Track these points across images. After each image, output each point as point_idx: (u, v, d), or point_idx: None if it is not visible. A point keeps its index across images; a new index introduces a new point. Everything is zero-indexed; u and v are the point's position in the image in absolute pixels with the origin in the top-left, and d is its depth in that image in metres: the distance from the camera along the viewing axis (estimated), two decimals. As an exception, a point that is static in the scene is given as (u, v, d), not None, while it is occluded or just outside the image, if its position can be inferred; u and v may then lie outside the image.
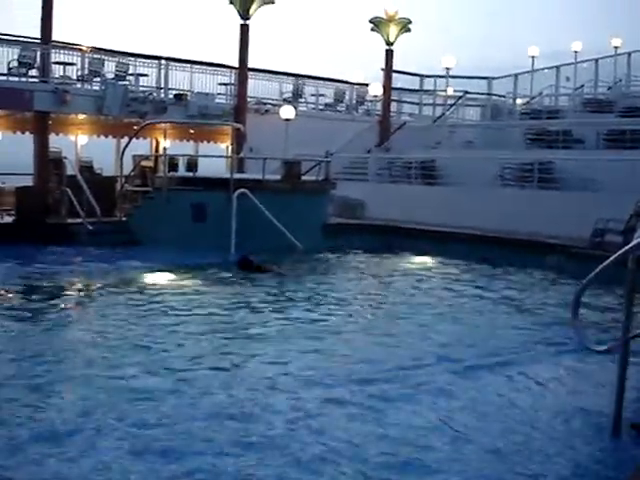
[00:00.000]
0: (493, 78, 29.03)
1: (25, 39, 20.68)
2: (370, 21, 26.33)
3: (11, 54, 19.65)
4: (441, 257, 16.84)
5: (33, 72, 19.90)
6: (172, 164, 21.01)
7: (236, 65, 22.94)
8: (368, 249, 17.93)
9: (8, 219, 17.63)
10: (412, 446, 6.00)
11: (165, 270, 14.12)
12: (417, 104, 29.33)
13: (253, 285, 13.26)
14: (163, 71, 22.18)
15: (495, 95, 29.35)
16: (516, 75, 28.66)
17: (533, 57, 29.86)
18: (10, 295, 12.10)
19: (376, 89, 26.74)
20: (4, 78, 19.47)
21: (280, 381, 7.54)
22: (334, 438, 6.07)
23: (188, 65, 22.97)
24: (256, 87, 24.00)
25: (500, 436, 6.27)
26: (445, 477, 5.53)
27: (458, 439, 6.20)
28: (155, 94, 21.73)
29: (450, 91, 29.20)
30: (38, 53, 19.73)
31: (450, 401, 7.14)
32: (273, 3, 22.94)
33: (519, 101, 29.10)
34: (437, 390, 7.43)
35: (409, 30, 26.65)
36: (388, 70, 26.33)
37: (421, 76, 28.82)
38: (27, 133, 20.89)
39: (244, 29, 22.67)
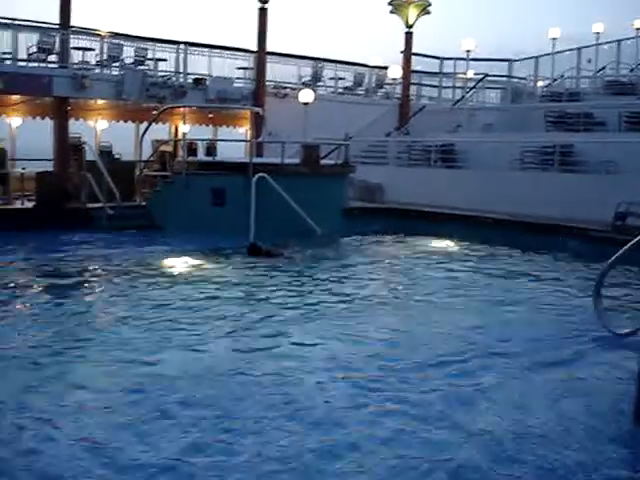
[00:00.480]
0: (513, 60, 28.81)
1: (44, 25, 20.72)
2: (389, 3, 26.19)
3: (30, 40, 19.69)
4: (461, 240, 16.74)
5: (52, 58, 19.97)
6: (191, 149, 21.02)
7: (255, 49, 22.91)
8: (387, 233, 17.86)
9: (28, 204, 17.72)
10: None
11: (184, 254, 14.13)
12: (437, 87, 29.13)
13: (272, 269, 13.25)
14: (182, 56, 22.18)
15: (515, 78, 29.11)
16: (537, 57, 28.38)
17: (554, 39, 29.52)
18: (32, 279, 12.18)
19: (395, 72, 26.60)
20: (24, 64, 19.55)
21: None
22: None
23: (207, 49, 22.95)
24: (275, 71, 23.94)
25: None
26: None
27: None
28: (174, 79, 21.76)
29: (470, 74, 28.97)
30: (57, 39, 19.80)
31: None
32: (291, -14, 22.87)
33: (540, 84, 28.82)
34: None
35: (429, 12, 26.49)
36: (407, 53, 26.19)
37: (441, 59, 28.62)
38: (47, 118, 21.01)
39: (263, 13, 22.65)
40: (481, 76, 28.71)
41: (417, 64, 27.46)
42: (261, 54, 22.73)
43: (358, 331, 9.10)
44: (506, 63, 28.79)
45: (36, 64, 19.75)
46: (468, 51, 28.50)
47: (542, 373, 7.53)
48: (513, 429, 5.99)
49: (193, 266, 13.30)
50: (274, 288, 11.54)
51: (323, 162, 18.51)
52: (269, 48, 23.00)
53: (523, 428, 6.02)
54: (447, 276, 13.02)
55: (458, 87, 29.31)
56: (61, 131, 19.31)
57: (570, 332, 9.09)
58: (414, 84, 27.68)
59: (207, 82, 21.98)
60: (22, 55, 19.53)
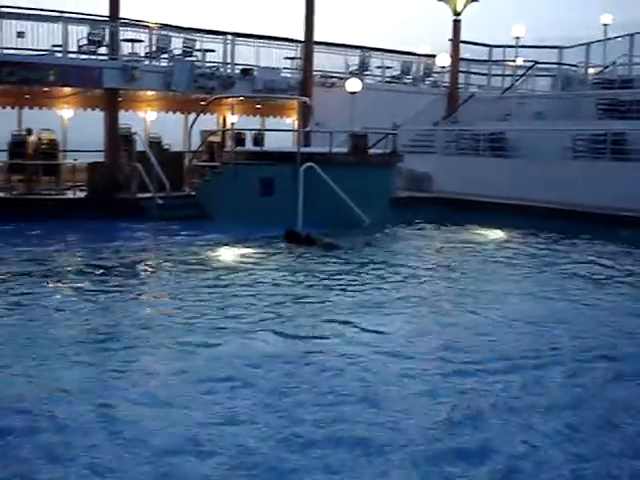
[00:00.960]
0: (564, 47, 28.27)
1: (94, 17, 20.92)
2: (437, -9, 25.91)
3: (81, 32, 19.91)
4: (511, 230, 16.56)
5: (102, 50, 20.14)
6: (239, 139, 21.14)
7: (302, 39, 22.87)
8: (436, 222, 17.75)
9: (80, 194, 17.99)
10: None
11: (234, 243, 14.23)
12: (485, 75, 28.75)
13: (320, 258, 13.27)
14: (229, 46, 22.19)
15: (566, 65, 28.60)
16: (588, 44, 27.84)
17: (606, 25, 28.95)
18: (85, 269, 12.36)
19: (443, 60, 26.33)
20: (74, 56, 19.74)
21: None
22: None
23: (254, 40, 22.93)
24: (322, 60, 23.87)
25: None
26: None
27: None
28: (222, 69, 21.80)
29: (519, 61, 28.59)
30: (107, 31, 19.95)
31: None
32: (339, -25, 22.77)
33: (591, 71, 28.29)
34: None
35: (477, 0, 26.14)
36: (456, 41, 25.90)
37: (489, 46, 28.23)
38: (97, 110, 21.24)
39: (310, 2, 22.57)
40: (531, 63, 28.28)
41: (465, 52, 27.14)
42: (308, 44, 22.67)
43: (417, 319, 9.13)
44: (556, 50, 28.30)
45: (86, 56, 19.94)
46: (517, 38, 28.15)
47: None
48: None
49: (245, 254, 13.38)
50: (329, 276, 11.61)
51: (371, 151, 18.44)
52: (316, 37, 22.91)
53: None
54: (502, 266, 12.87)
55: (507, 75, 28.92)
56: (111, 122, 19.50)
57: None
58: (462, 72, 27.36)
59: (255, 72, 21.98)
60: (72, 47, 19.72)
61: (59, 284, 10.85)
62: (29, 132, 19.45)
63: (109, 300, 9.85)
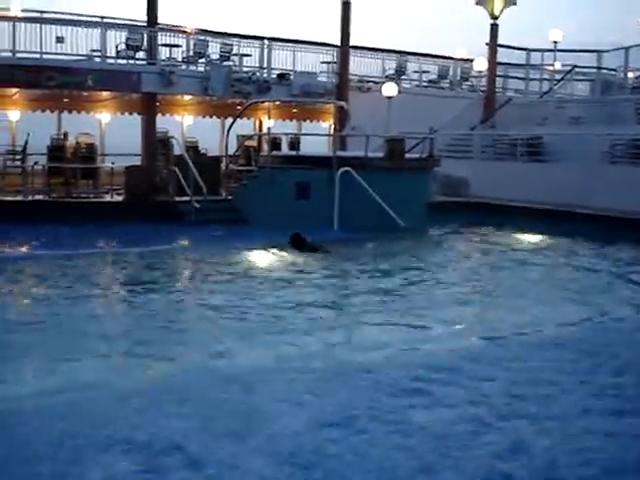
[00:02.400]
0: (603, 51, 27.93)
1: (132, 22, 21.13)
2: (474, -5, 25.78)
3: (119, 37, 20.11)
4: (549, 236, 16.41)
5: (140, 54, 20.33)
6: (275, 143, 21.19)
7: (338, 43, 22.86)
8: (473, 227, 17.63)
9: (118, 198, 18.13)
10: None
11: (271, 247, 14.24)
12: (523, 79, 28.52)
13: (353, 260, 13.27)
14: (266, 51, 22.29)
15: (605, 69, 28.26)
16: (627, 48, 27.46)
17: (645, 29, 28.53)
18: (122, 270, 12.46)
19: (481, 64, 26.16)
20: (113, 61, 19.95)
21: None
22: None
23: (290, 44, 22.98)
24: (358, 65, 23.86)
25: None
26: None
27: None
28: (258, 74, 21.87)
29: (557, 65, 28.30)
30: (145, 36, 20.13)
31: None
32: (375, -21, 22.75)
33: (631, 75, 27.89)
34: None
35: (515, 3, 25.96)
36: (493, 45, 25.71)
37: (527, 50, 28.01)
38: (135, 114, 21.44)
39: (346, 7, 22.57)
40: (569, 68, 27.98)
41: (503, 56, 26.91)
42: (344, 48, 22.66)
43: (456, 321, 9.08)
44: (595, 54, 27.96)
45: (124, 61, 20.14)
46: (555, 42, 27.86)
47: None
48: None
49: (283, 258, 13.38)
50: (368, 280, 11.65)
51: (407, 156, 18.35)
52: (352, 42, 22.91)
53: None
54: (536, 272, 12.74)
55: (545, 79, 28.66)
56: (149, 126, 19.66)
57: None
58: (500, 76, 27.15)
59: (291, 77, 22.03)
60: (111, 52, 19.93)
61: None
62: (65, 136, 19.66)
63: (145, 303, 9.93)
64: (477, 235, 17.06)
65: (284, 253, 13.61)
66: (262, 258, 13.54)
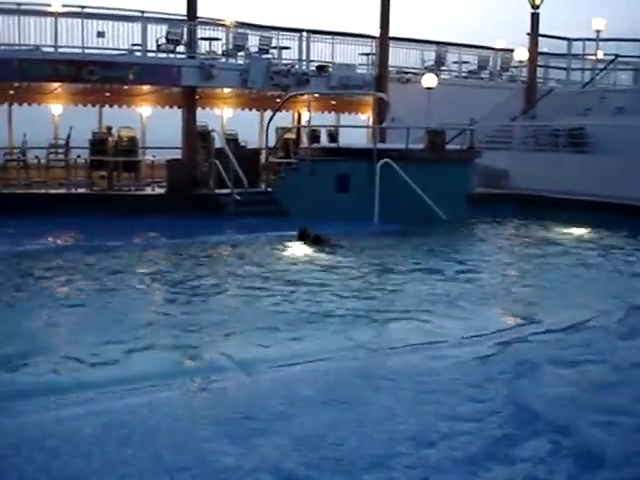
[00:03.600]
0: (646, 40, 27.46)
1: (172, 17, 21.23)
2: (515, -16, 25.49)
3: (159, 31, 20.23)
4: (592, 228, 16.16)
5: (180, 48, 20.43)
6: (314, 135, 21.18)
7: (377, 34, 22.75)
8: (514, 219, 17.47)
9: (160, 190, 18.28)
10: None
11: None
12: (564, 69, 28.13)
13: (395, 251, 13.26)
14: (305, 43, 22.26)
15: (649, 58, 27.77)
16: (672, 36, 26.98)
17: (692, 16, 27.99)
18: (165, 261, 12.56)
19: (521, 54, 25.85)
20: (153, 55, 20.07)
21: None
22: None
23: (329, 36, 22.92)
24: (397, 56, 23.72)
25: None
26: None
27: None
28: (297, 66, 21.86)
29: (600, 55, 27.86)
30: (185, 30, 20.23)
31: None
32: (414, -30, 22.61)
33: (675, 64, 27.42)
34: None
35: (556, -8, 25.62)
36: (534, 34, 25.40)
37: (569, 40, 27.62)
38: (175, 108, 21.58)
39: (385, -2, 22.44)
40: (612, 57, 27.54)
41: (544, 46, 26.57)
42: (384, 39, 22.53)
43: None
44: (638, 43, 27.46)
45: (165, 55, 20.26)
46: (598, 31, 27.45)
47: None
48: None
49: (329, 251, 13.39)
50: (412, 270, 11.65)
51: (448, 147, 18.23)
52: (392, 33, 22.77)
53: None
54: (584, 266, 12.52)
55: (587, 69, 28.23)
56: (189, 120, 19.77)
57: None
58: (541, 66, 26.81)
59: (330, 69, 21.98)
60: (151, 47, 20.05)
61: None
62: (109, 130, 19.85)
63: (190, 290, 10.00)
64: (520, 228, 16.87)
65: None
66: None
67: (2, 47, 18.70)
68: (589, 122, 22.44)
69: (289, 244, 13.72)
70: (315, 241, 13.59)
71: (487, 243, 15.25)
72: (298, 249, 13.31)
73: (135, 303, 9.34)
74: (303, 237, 13.85)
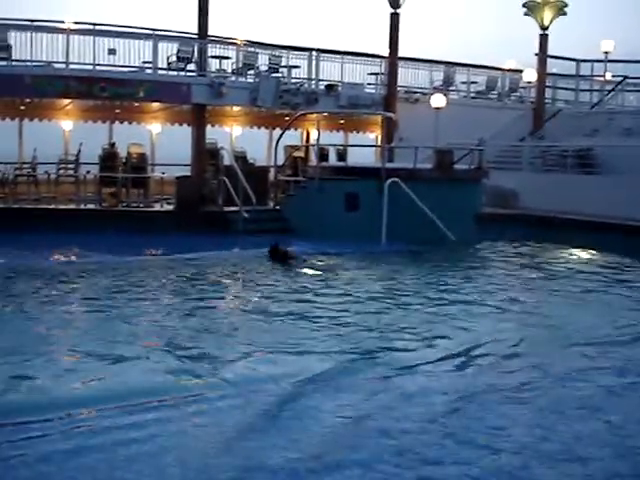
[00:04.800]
0: (655, 62, 27.53)
1: (183, 35, 21.38)
2: (524, 5, 25.61)
3: (170, 49, 20.36)
4: (600, 251, 16.11)
5: (191, 66, 20.55)
6: (322, 154, 21.24)
7: (385, 54, 22.86)
8: (522, 240, 17.44)
9: (168, 207, 18.35)
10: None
11: (321, 256, 14.31)
12: (573, 90, 28.20)
13: (407, 270, 13.26)
14: (314, 62, 22.37)
15: (657, 80, 27.82)
16: (680, 58, 27.05)
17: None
18: (174, 278, 12.60)
19: (530, 75, 25.93)
20: (164, 72, 20.20)
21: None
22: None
23: (338, 56, 23.02)
24: (406, 76, 23.82)
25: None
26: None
27: None
28: (306, 85, 21.97)
29: (608, 76, 27.95)
30: (195, 48, 20.36)
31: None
32: (424, -10, 22.76)
33: (683, 85, 27.46)
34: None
35: (565, 13, 25.72)
36: (542, 55, 25.49)
37: (577, 61, 27.69)
38: (185, 125, 21.68)
39: (394, 18, 22.56)
40: (620, 78, 27.61)
41: (552, 67, 26.67)
42: (392, 59, 22.64)
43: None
44: (646, 65, 27.57)
45: (175, 73, 20.38)
46: (606, 53, 27.53)
47: None
48: None
49: (335, 267, 13.42)
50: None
51: (456, 167, 18.27)
52: (400, 53, 22.88)
53: None
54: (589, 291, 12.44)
55: (595, 90, 28.29)
56: (199, 137, 19.86)
57: None
58: (549, 87, 26.89)
59: (339, 88, 22.08)
60: (162, 64, 20.19)
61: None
62: (112, 146, 19.95)
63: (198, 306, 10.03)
64: (529, 250, 16.81)
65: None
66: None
67: (14, 63, 18.84)
68: (597, 143, 22.47)
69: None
70: (284, 258, 13.72)
71: (493, 268, 14.99)
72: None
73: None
74: (274, 254, 13.93)
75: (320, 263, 14.01)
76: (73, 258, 14.04)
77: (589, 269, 14.26)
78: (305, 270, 13.28)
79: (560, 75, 27.81)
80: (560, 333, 9.22)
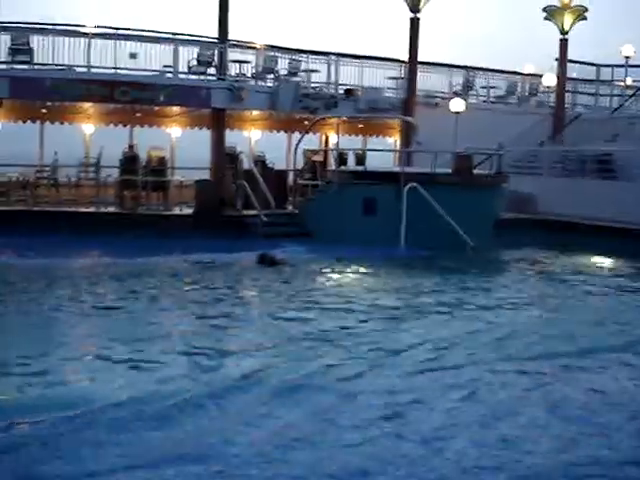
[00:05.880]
0: (676, 66, 27.35)
1: (203, 38, 21.48)
2: (544, 10, 25.52)
3: (190, 53, 20.47)
4: (622, 257, 16.00)
5: (211, 70, 20.65)
6: (341, 158, 21.27)
7: (404, 58, 22.86)
8: (541, 246, 17.38)
9: (187, 211, 18.44)
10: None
11: (340, 261, 14.34)
12: (593, 95, 28.08)
13: (423, 273, 13.24)
14: (333, 66, 22.40)
15: (678, 84, 27.62)
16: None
17: None
18: (189, 280, 12.67)
19: (550, 80, 25.84)
20: (184, 76, 20.30)
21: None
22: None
23: (357, 60, 23.05)
24: (425, 80, 23.78)
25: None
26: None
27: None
28: (326, 89, 22.00)
29: (629, 81, 27.77)
30: (215, 52, 20.45)
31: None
32: (443, -5, 22.76)
33: None
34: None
35: (585, 18, 25.62)
36: (562, 60, 25.39)
37: (597, 66, 27.57)
38: (204, 129, 21.77)
39: (414, 22, 22.57)
40: (641, 83, 27.47)
41: (572, 71, 26.55)
42: (412, 64, 22.63)
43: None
44: (668, 69, 27.39)
45: (195, 77, 20.48)
46: (627, 57, 27.38)
47: None
48: None
49: (357, 272, 13.41)
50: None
51: (476, 172, 18.24)
52: (420, 57, 22.87)
53: None
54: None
55: (616, 95, 28.15)
56: (218, 141, 19.94)
57: None
58: (569, 92, 26.77)
59: (358, 92, 22.08)
60: (183, 68, 20.29)
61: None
62: (131, 148, 20.02)
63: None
64: (548, 256, 16.72)
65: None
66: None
67: (36, 67, 19.00)
68: (617, 148, 22.36)
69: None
70: (272, 263, 14.04)
71: (512, 274, 14.98)
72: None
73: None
74: (262, 260, 14.25)
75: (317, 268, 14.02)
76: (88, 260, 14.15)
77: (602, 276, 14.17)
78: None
79: (580, 80, 27.68)
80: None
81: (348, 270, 13.92)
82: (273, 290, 11.98)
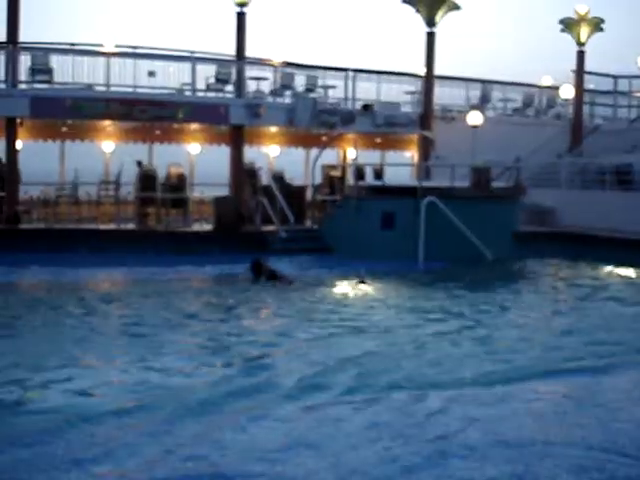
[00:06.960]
0: (694, 76, 27.23)
1: (221, 56, 21.68)
2: (560, 22, 25.53)
3: (209, 71, 20.66)
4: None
5: (229, 87, 20.82)
6: (359, 173, 21.32)
7: (422, 73, 22.94)
8: (561, 259, 17.31)
9: (207, 227, 18.54)
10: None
11: (358, 276, 14.33)
12: (611, 106, 28.01)
13: (442, 290, 13.22)
14: (350, 82, 22.51)
15: (697, 94, 27.51)
16: None
17: None
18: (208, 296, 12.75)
19: (567, 92, 25.81)
20: (202, 94, 20.49)
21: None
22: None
23: (374, 75, 23.16)
24: (442, 94, 23.82)
25: None
26: None
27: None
28: (343, 105, 22.10)
29: (647, 91, 27.71)
30: (233, 69, 20.63)
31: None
32: (459, 9, 22.82)
33: None
34: None
35: (601, 30, 25.61)
36: (579, 72, 25.39)
37: (615, 77, 27.50)
38: (223, 145, 21.92)
39: (430, 37, 22.67)
40: (659, 94, 27.38)
41: (589, 83, 26.52)
42: (429, 78, 22.71)
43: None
44: (686, 80, 27.27)
45: (213, 94, 20.66)
46: (645, 68, 27.29)
47: None
48: None
49: (382, 288, 13.42)
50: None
51: (494, 185, 18.22)
52: (436, 71, 22.95)
53: None
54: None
55: (634, 106, 28.05)
56: (236, 157, 20.08)
57: None
58: (587, 103, 26.72)
59: (375, 107, 22.16)
60: (201, 86, 20.47)
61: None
62: (139, 164, 19.94)
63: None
64: (568, 269, 16.66)
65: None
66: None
67: (56, 85, 19.25)
68: (637, 159, 22.24)
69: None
70: (269, 277, 13.40)
71: (533, 288, 14.78)
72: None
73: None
74: (257, 270, 13.53)
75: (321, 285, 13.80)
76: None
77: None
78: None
79: (597, 91, 27.62)
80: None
81: (369, 287, 13.88)
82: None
